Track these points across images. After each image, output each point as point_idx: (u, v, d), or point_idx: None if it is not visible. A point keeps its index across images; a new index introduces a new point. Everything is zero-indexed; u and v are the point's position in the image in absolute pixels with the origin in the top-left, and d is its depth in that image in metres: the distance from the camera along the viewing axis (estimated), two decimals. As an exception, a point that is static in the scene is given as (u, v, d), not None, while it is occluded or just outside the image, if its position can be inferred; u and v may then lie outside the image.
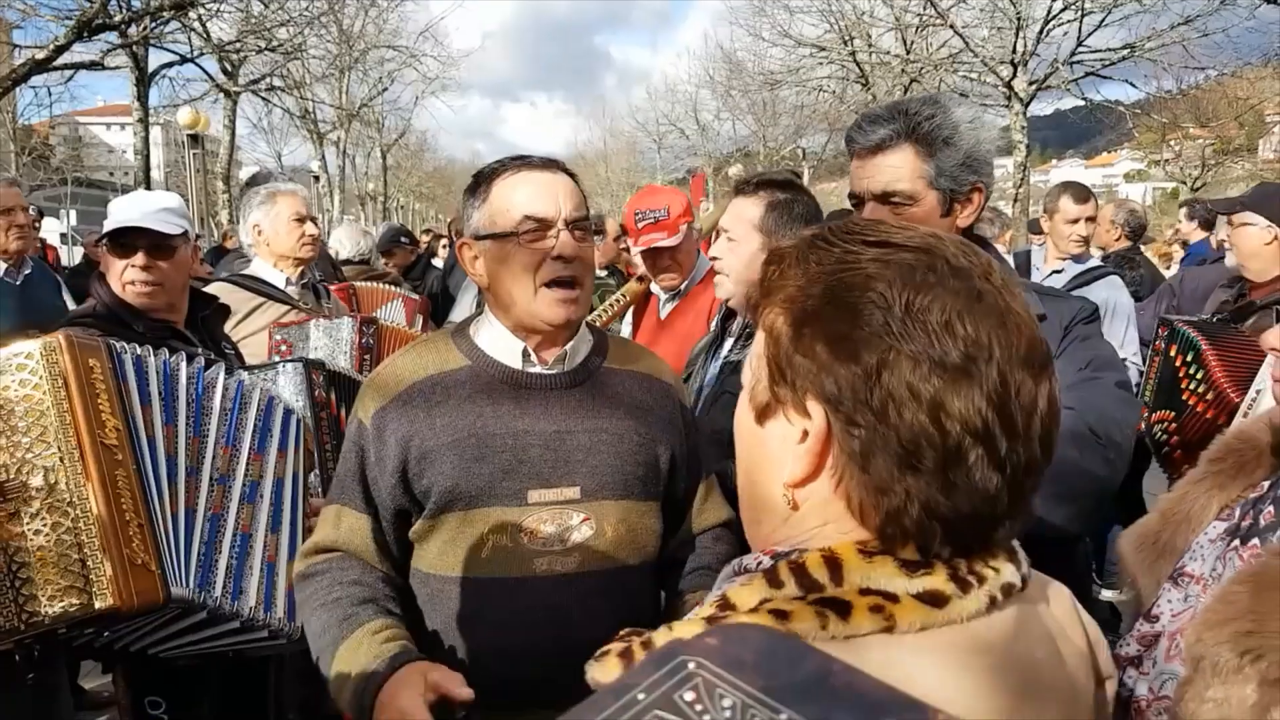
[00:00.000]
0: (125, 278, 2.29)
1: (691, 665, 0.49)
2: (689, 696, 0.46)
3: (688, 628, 0.68)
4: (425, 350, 1.65)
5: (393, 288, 4.28)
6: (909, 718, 0.45)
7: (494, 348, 1.61)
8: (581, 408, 1.59)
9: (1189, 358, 3.02)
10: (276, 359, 2.62)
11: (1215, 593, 1.06)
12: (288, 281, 3.13)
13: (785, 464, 0.75)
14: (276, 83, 22.66)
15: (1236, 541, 1.20)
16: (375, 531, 1.60)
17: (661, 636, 0.68)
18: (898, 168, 1.70)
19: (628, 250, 5.36)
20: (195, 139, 19.38)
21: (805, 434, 0.73)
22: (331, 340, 2.87)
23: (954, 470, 0.69)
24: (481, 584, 1.53)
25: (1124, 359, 3.23)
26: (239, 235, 3.56)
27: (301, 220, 3.16)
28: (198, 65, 19.23)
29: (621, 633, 0.77)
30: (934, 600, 0.70)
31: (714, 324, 2.50)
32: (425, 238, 10.09)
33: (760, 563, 0.75)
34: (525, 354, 1.59)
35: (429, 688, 1.33)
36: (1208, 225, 5.42)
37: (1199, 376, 2.93)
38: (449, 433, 1.53)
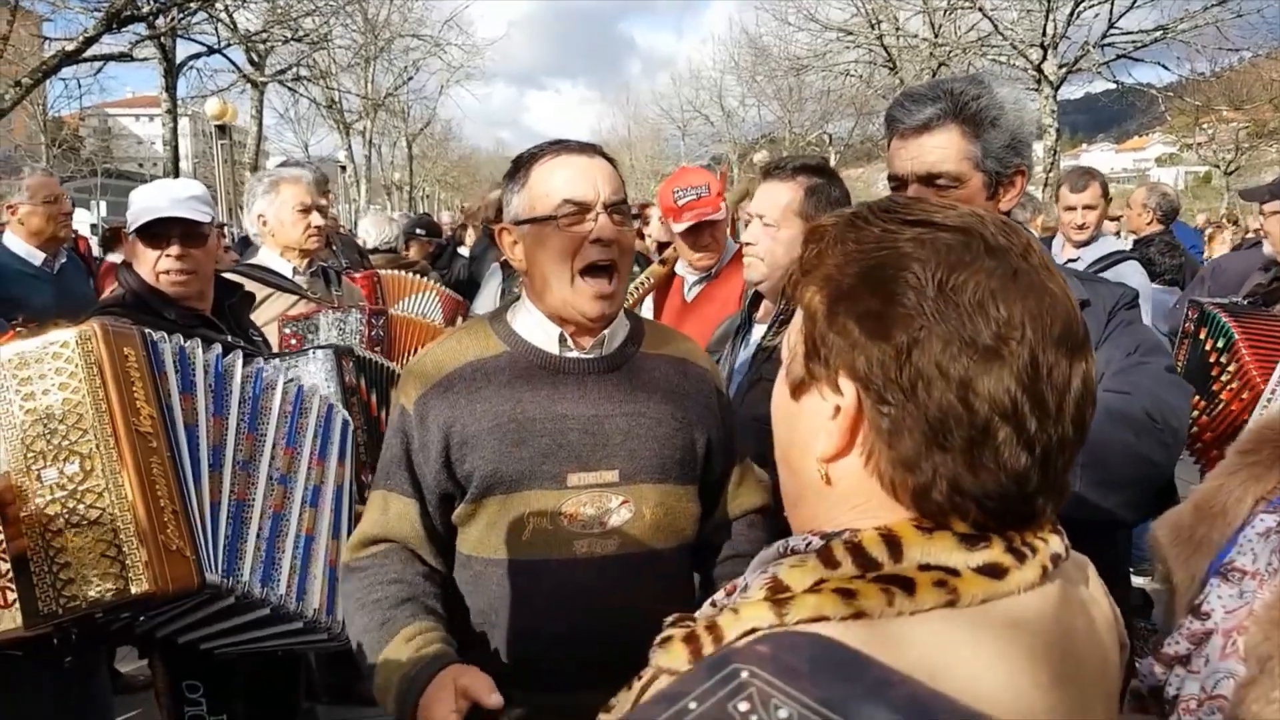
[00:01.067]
0: (160, 267, 2.33)
1: (745, 674, 0.48)
2: (744, 707, 0.45)
3: (753, 610, 0.68)
4: (465, 337, 1.67)
5: (420, 278, 4.29)
6: None
7: (531, 334, 1.62)
8: (619, 392, 1.60)
9: (1219, 344, 2.98)
10: (307, 347, 2.63)
11: (1273, 590, 1.04)
12: (295, 271, 3.09)
13: (819, 439, 0.76)
14: (303, 73, 22.80)
15: None
16: (423, 516, 1.62)
17: (729, 621, 0.68)
18: (944, 148, 1.66)
19: (642, 236, 5.36)
20: (223, 129, 19.56)
21: (837, 410, 0.74)
22: (340, 333, 2.85)
23: (981, 449, 0.70)
24: (523, 566, 1.55)
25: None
26: (244, 225, 3.54)
27: (306, 210, 3.08)
28: (225, 56, 19.37)
29: (673, 617, 0.78)
30: (994, 572, 0.70)
31: (742, 308, 2.48)
32: (448, 224, 10.09)
33: (810, 543, 0.76)
34: (562, 339, 1.61)
35: (459, 694, 1.35)
36: (1166, 220, 5.46)
37: (1231, 369, 2.89)
38: (489, 418, 1.55)
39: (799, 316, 0.80)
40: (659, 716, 0.46)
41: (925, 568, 0.70)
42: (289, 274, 3.09)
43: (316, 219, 3.12)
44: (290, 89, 23.83)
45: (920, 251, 0.72)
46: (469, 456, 1.55)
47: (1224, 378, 2.92)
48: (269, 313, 2.93)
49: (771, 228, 2.24)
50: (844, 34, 22.71)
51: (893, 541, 0.71)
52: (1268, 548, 1.21)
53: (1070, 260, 4.17)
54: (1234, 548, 1.25)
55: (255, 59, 20.62)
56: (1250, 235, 7.18)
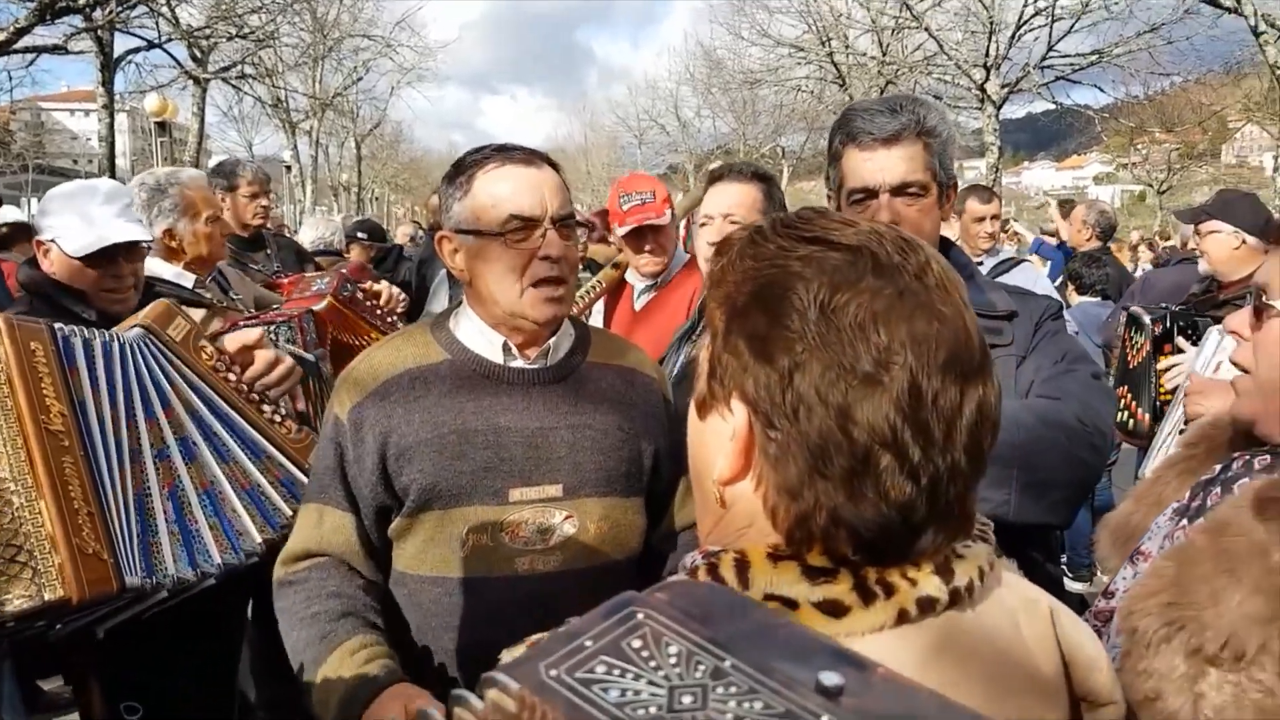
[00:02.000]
0: (105, 286, 2.25)
1: (640, 615, 0.50)
2: (636, 644, 0.48)
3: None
4: (403, 343, 1.61)
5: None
6: (845, 669, 0.46)
7: (474, 342, 1.57)
8: (564, 403, 1.56)
9: (1133, 330, 3.20)
10: None
11: (1148, 568, 1.08)
12: (198, 282, 2.94)
13: (718, 460, 0.75)
14: (248, 70, 22.25)
15: (1185, 521, 1.23)
16: (359, 530, 1.55)
17: None
18: (913, 159, 1.70)
19: (598, 240, 5.33)
20: (163, 127, 19.08)
21: (734, 432, 0.73)
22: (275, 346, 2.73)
23: (862, 477, 0.67)
24: (462, 584, 1.50)
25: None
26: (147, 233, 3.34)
27: (217, 219, 2.98)
28: (166, 51, 18.87)
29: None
30: (833, 610, 0.68)
31: (694, 312, 2.47)
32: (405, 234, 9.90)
33: (695, 561, 0.75)
34: (506, 348, 1.56)
35: (407, 717, 1.29)
36: (1105, 236, 5.81)
37: (1140, 336, 3.13)
38: (429, 428, 1.49)
39: (707, 333, 0.78)
40: (557, 650, 0.48)
41: (769, 597, 0.68)
42: (189, 284, 2.91)
43: (226, 226, 3.02)
44: (234, 86, 23.22)
45: (807, 271, 0.70)
46: (406, 468, 1.49)
47: (1137, 343, 3.16)
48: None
49: (740, 226, 2.24)
50: (796, 50, 23.07)
51: (743, 567, 0.70)
52: (1161, 533, 1.25)
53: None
54: (1146, 534, 1.29)
55: (198, 55, 20.08)
56: (1166, 249, 7.55)
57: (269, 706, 3.26)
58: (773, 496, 0.71)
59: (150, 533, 1.66)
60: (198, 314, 2.79)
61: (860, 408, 0.66)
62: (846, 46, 22.09)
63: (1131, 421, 3.08)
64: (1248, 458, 1.24)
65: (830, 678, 0.45)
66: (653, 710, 0.43)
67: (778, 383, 0.68)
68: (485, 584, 1.49)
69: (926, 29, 17.76)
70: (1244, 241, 3.40)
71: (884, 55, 20.85)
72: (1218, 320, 3.01)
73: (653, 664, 0.47)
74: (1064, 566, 4.85)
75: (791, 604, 0.68)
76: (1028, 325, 1.73)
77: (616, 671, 0.46)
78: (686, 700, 0.44)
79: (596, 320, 3.28)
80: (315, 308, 2.72)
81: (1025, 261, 4.54)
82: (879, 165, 1.71)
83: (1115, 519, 1.41)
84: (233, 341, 1.90)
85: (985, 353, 0.72)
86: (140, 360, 1.76)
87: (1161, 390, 2.99)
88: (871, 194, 1.72)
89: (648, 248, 2.96)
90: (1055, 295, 4.19)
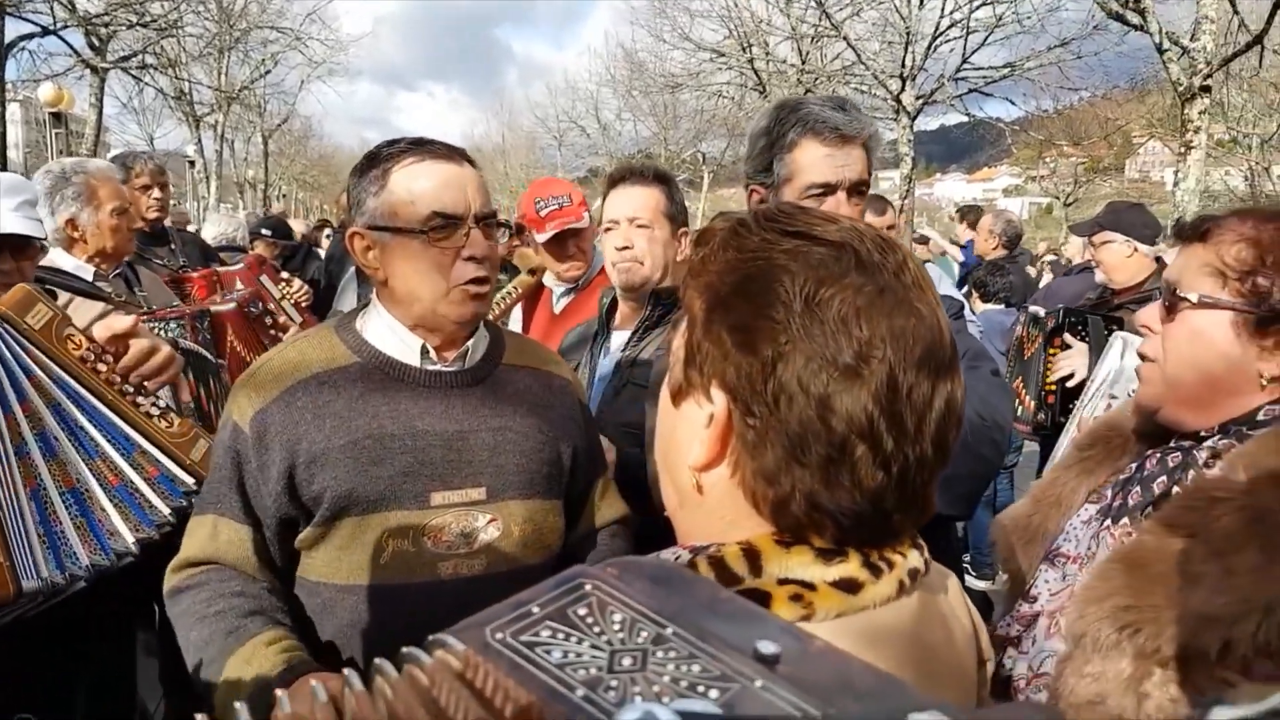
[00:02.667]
0: None
1: (588, 586, 0.52)
2: (582, 611, 0.50)
3: None
4: (307, 345, 1.53)
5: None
6: (784, 640, 0.47)
7: (387, 343, 1.51)
8: (484, 406, 1.52)
9: (1031, 326, 3.37)
10: None
11: (1093, 570, 1.11)
12: (97, 275, 2.83)
13: (694, 447, 0.76)
14: (149, 60, 21.37)
15: (1108, 521, 1.27)
16: (257, 543, 1.47)
17: None
18: (863, 160, 1.74)
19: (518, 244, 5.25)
20: (58, 118, 18.07)
21: (711, 418, 0.74)
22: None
23: (838, 466, 0.70)
24: (382, 591, 1.44)
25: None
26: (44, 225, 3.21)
27: (124, 212, 2.88)
28: (61, 38, 17.95)
29: None
30: (850, 587, 0.71)
31: (599, 315, 2.43)
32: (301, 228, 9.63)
33: (679, 557, 0.75)
34: (425, 351, 1.50)
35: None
36: (974, 225, 6.17)
37: (1035, 330, 3.30)
38: (341, 434, 1.42)
39: (684, 321, 0.79)
40: (504, 615, 0.50)
41: (784, 582, 0.70)
42: (89, 278, 2.79)
43: (134, 221, 2.92)
44: (135, 77, 22.18)
45: (792, 264, 0.72)
46: (319, 476, 1.41)
47: (1030, 333, 3.35)
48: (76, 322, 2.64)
49: (647, 229, 2.23)
50: (717, 55, 23.34)
51: (753, 555, 0.71)
52: (1088, 534, 1.28)
53: None
54: (1061, 536, 1.33)
55: (96, 43, 19.15)
56: (1067, 261, 8.03)
57: (172, 715, 3.12)
58: (750, 481, 0.73)
59: (25, 532, 1.54)
60: (92, 307, 2.66)
61: (840, 398, 0.69)
62: (767, 53, 22.45)
63: (1020, 409, 3.22)
64: (1159, 455, 1.27)
65: (768, 646, 0.46)
66: (593, 671, 0.45)
67: (760, 371, 0.70)
68: (408, 590, 1.44)
69: (845, 38, 18.15)
70: (1136, 249, 3.56)
71: (803, 63, 21.26)
72: (1110, 320, 3.16)
73: (596, 629, 0.48)
74: (967, 565, 4.99)
75: (809, 586, 0.70)
76: None
77: (560, 635, 0.48)
78: (626, 662, 0.45)
79: (515, 324, 3.22)
80: (214, 308, 2.61)
81: (928, 263, 4.65)
82: (842, 162, 1.71)
83: (1012, 519, 1.44)
84: (102, 329, 1.78)
85: (954, 350, 0.75)
86: None
87: (1047, 380, 3.14)
88: (831, 190, 1.72)
89: (570, 252, 2.92)
90: (958, 296, 4.33)
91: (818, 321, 0.69)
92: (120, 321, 1.80)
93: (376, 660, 0.52)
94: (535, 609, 0.50)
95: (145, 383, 1.82)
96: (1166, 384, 1.25)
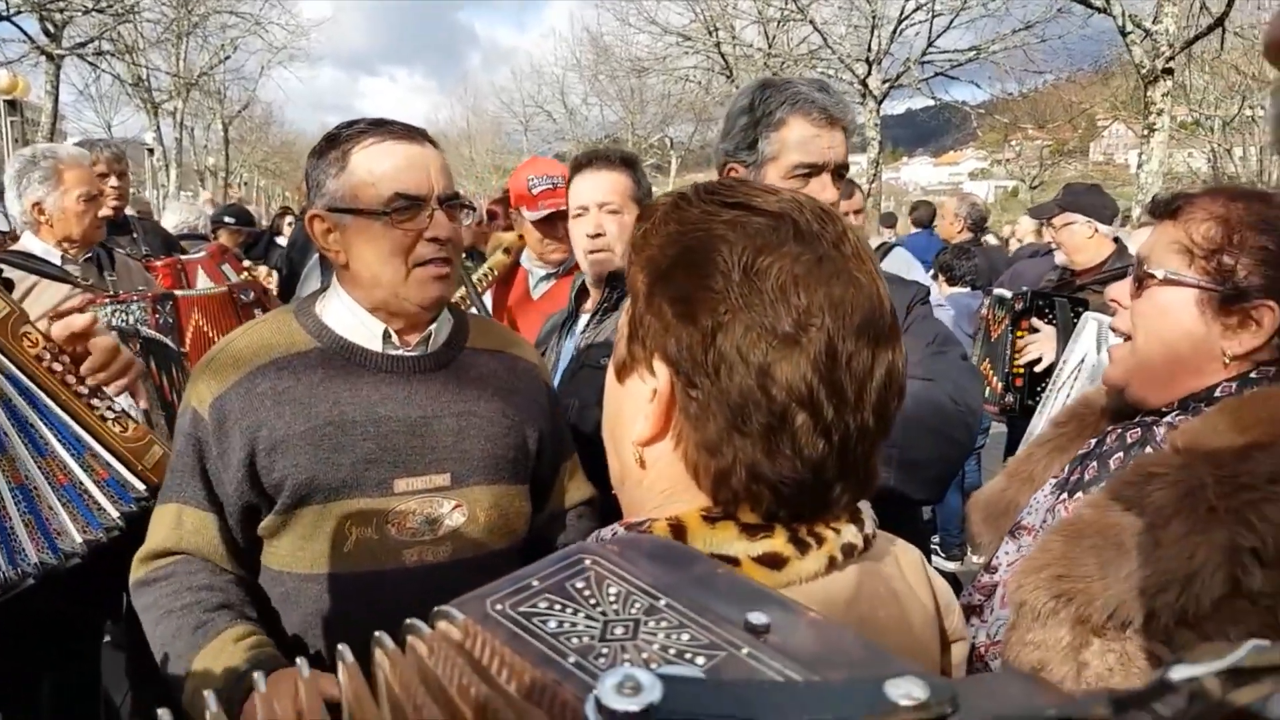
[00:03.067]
0: None
1: (587, 561, 0.54)
2: (579, 585, 0.52)
3: None
4: (266, 330, 1.51)
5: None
6: (775, 612, 0.48)
7: (348, 327, 1.49)
8: (447, 391, 1.51)
9: (996, 307, 3.40)
10: None
11: (1036, 542, 1.12)
12: (64, 258, 2.83)
13: (638, 422, 0.76)
14: (106, 47, 20.80)
15: (1064, 495, 1.29)
16: (222, 530, 1.45)
17: None
18: (845, 143, 1.76)
19: (505, 228, 5.20)
20: (12, 105, 17.56)
21: (654, 393, 0.74)
22: (123, 325, 2.62)
23: (779, 435, 0.70)
24: (346, 580, 1.42)
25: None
26: (6, 208, 3.21)
27: (93, 198, 2.86)
28: (14, 24, 17.46)
29: None
30: (773, 562, 0.71)
31: (570, 301, 2.43)
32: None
33: (616, 534, 0.75)
34: (387, 336, 1.49)
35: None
36: (976, 228, 6.24)
37: (1001, 311, 3.33)
38: (302, 420, 1.41)
39: (629, 299, 0.79)
40: (504, 589, 0.52)
41: (711, 557, 0.70)
42: (57, 261, 2.79)
43: (103, 208, 2.91)
44: (91, 64, 21.63)
45: (731, 234, 0.71)
46: (279, 463, 1.40)
47: (995, 316, 3.38)
48: (38, 306, 2.58)
49: (618, 214, 2.22)
50: (683, 39, 23.20)
51: (679, 531, 0.72)
52: (1043, 507, 1.31)
53: None
54: (1026, 509, 1.35)
55: (51, 29, 18.64)
56: (1018, 242, 8.14)
57: (140, 712, 3.08)
58: (693, 454, 0.73)
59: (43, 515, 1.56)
60: (58, 291, 2.61)
61: (779, 367, 0.69)
62: (734, 37, 22.38)
63: (987, 390, 3.27)
64: (1120, 431, 1.29)
65: (758, 617, 0.47)
66: (586, 639, 0.46)
67: (700, 342, 0.70)
68: (372, 578, 1.43)
69: (811, 22, 18.16)
70: (1096, 230, 3.62)
71: (770, 47, 21.23)
72: (1075, 302, 3.21)
73: (592, 601, 0.50)
74: (936, 546, 5.06)
75: (733, 561, 0.70)
76: (899, 310, 1.79)
77: (557, 607, 0.50)
78: (618, 631, 0.47)
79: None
80: (196, 294, 2.63)
81: (897, 248, 4.70)
82: (829, 143, 1.71)
83: (986, 496, 1.46)
84: (61, 328, 1.75)
85: (895, 320, 0.75)
86: None
87: (1015, 363, 3.18)
88: (817, 171, 1.72)
89: (559, 234, 2.86)
90: (927, 280, 4.37)
91: (756, 291, 0.69)
92: (78, 320, 1.78)
93: (340, 646, 0.55)
94: (535, 582, 0.52)
95: (103, 387, 1.80)
96: (1136, 360, 1.27)
